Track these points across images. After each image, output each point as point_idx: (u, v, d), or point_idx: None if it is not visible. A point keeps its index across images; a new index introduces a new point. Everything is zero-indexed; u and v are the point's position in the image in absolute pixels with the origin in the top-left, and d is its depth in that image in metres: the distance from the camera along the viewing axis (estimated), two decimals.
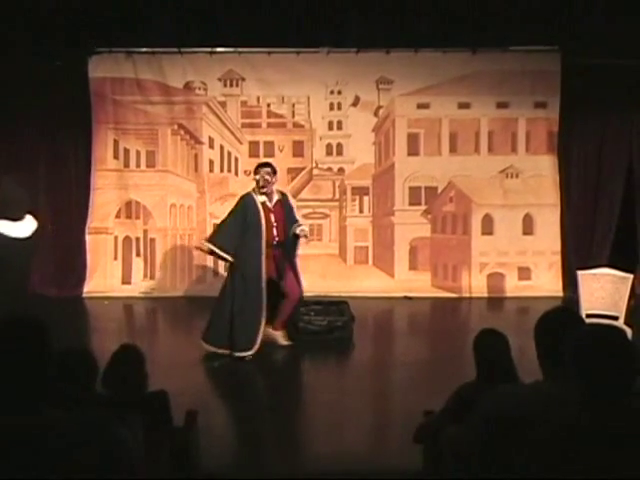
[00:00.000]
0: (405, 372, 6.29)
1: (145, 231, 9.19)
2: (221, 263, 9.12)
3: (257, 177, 6.41)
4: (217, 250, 6.39)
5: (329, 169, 9.23)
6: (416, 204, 9.17)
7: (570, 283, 8.29)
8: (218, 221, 6.51)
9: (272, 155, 9.04)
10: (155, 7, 8.03)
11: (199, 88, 9.08)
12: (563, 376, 2.25)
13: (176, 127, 9.11)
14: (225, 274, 9.10)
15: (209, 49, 8.80)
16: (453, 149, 9.14)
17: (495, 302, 8.89)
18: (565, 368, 2.18)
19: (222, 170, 9.21)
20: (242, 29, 8.21)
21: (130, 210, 9.16)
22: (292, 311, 6.65)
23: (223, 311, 6.38)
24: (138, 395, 3.26)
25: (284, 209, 6.47)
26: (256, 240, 6.28)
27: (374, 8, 8.11)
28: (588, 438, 2.03)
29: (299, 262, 6.67)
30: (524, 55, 8.77)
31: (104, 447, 1.88)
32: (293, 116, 9.16)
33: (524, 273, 9.12)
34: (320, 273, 8.87)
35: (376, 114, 9.12)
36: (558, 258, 9.05)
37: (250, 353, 6.29)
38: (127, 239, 9.21)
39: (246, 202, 6.43)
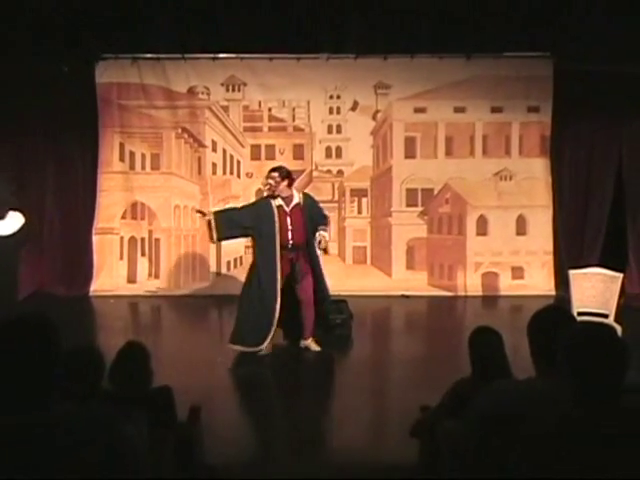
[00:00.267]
0: (402, 369, 6.29)
1: (150, 231, 9.19)
2: (224, 263, 9.18)
3: (264, 181, 6.43)
4: (212, 223, 6.27)
5: (328, 171, 9.23)
6: (413, 205, 9.17)
7: (562, 282, 8.29)
8: (212, 225, 6.39)
9: (273, 158, 9.04)
10: (159, 15, 8.04)
11: (202, 93, 9.07)
12: (555, 373, 2.25)
13: (180, 131, 9.11)
14: (225, 273, 9.21)
15: (212, 55, 8.80)
16: (449, 152, 9.14)
17: (489, 300, 8.89)
18: (557, 365, 2.18)
19: (225, 172, 9.21)
20: (244, 36, 8.21)
21: (135, 211, 9.16)
22: (312, 315, 6.42)
23: (242, 311, 6.35)
24: (143, 391, 3.26)
25: (304, 212, 6.31)
26: (270, 243, 6.23)
27: (372, 16, 8.12)
28: (580, 434, 2.03)
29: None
30: (517, 61, 8.77)
31: (110, 443, 1.88)
32: (294, 120, 9.16)
33: (517, 272, 9.12)
34: None
35: (374, 118, 9.13)
36: (550, 258, 9.05)
37: (259, 349, 6.25)
38: (132, 239, 9.21)
39: (260, 204, 6.43)
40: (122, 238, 9.17)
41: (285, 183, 6.28)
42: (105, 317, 8.27)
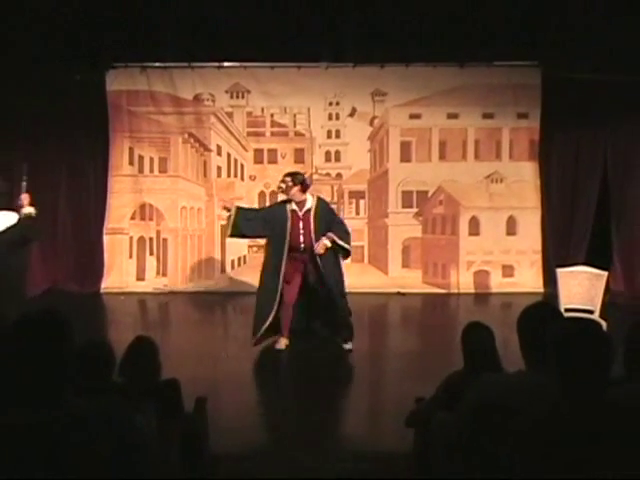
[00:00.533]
0: (398, 362, 6.29)
1: (158, 232, 9.19)
2: (228, 261, 9.17)
3: (278, 183, 6.44)
4: (232, 216, 6.27)
5: (328, 174, 9.22)
6: (408, 207, 9.16)
7: (550, 280, 8.28)
8: (230, 221, 6.38)
9: (275, 162, 9.06)
10: (167, 25, 8.04)
11: (208, 100, 9.07)
12: (544, 366, 2.25)
13: (186, 136, 9.10)
14: (229, 271, 9.21)
15: (217, 64, 8.80)
16: (442, 156, 9.13)
17: (481, 297, 8.88)
18: (546, 358, 2.18)
19: (229, 175, 9.21)
20: (247, 45, 8.21)
21: (144, 212, 9.15)
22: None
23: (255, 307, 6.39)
24: (152, 383, 3.26)
25: (316, 217, 6.23)
26: (280, 245, 6.23)
27: (369, 26, 8.12)
28: (567, 424, 2.04)
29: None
30: (507, 70, 8.77)
31: (122, 433, 1.88)
32: (295, 125, 9.15)
33: (508, 271, 9.11)
34: None
35: (371, 124, 9.12)
36: (539, 257, 9.04)
37: (253, 340, 6.28)
38: (141, 239, 9.20)
39: (276, 208, 6.42)
40: (131, 238, 9.17)
41: (297, 188, 6.21)
42: (115, 313, 8.28)
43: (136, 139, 9.06)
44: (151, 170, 9.14)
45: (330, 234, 6.17)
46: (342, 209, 9.21)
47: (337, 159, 9.20)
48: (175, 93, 8.98)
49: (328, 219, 6.30)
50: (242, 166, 9.20)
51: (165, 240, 9.18)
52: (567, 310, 6.05)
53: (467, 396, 2.59)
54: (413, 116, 9.08)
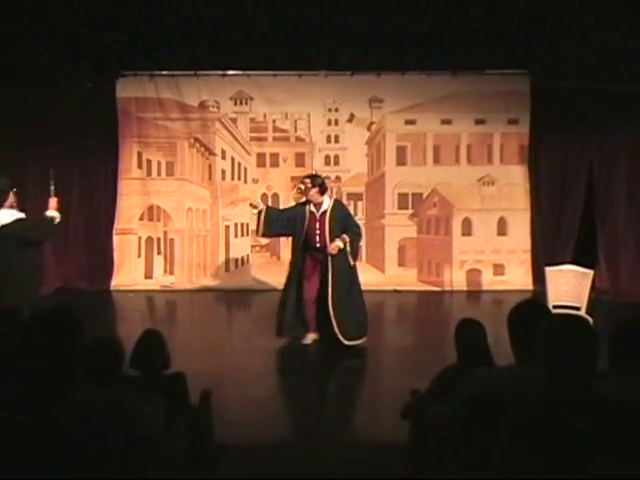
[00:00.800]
0: (394, 356, 6.30)
1: (165, 232, 9.18)
2: (232, 261, 9.17)
3: (298, 185, 6.43)
4: (262, 216, 6.26)
5: (327, 177, 9.14)
6: (404, 208, 9.16)
7: (539, 278, 8.28)
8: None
9: (277, 165, 9.06)
10: (174, 35, 8.05)
11: (212, 106, 9.06)
12: (533, 360, 2.25)
13: (192, 140, 9.10)
14: (233, 270, 9.20)
15: (221, 72, 8.81)
16: (436, 160, 9.13)
17: (473, 295, 8.88)
18: (535, 353, 2.18)
19: (233, 178, 9.20)
20: (251, 54, 8.23)
21: (152, 213, 9.15)
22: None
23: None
24: (161, 375, 3.26)
25: (332, 219, 6.20)
26: (298, 242, 6.26)
27: (366, 36, 8.12)
28: (555, 416, 2.03)
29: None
30: (498, 78, 8.76)
31: (131, 426, 1.88)
32: (295, 131, 9.15)
33: (499, 269, 9.11)
34: None
35: (369, 129, 9.12)
36: (528, 256, 9.04)
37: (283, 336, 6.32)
38: (149, 239, 9.20)
39: (297, 209, 6.40)
40: (140, 238, 9.16)
41: (316, 190, 6.21)
42: (124, 310, 8.28)
43: (144, 144, 9.06)
44: (159, 173, 9.14)
45: (344, 236, 6.15)
46: None
47: (336, 163, 9.19)
48: (182, 100, 8.99)
49: (344, 221, 6.28)
50: (245, 169, 9.20)
51: (172, 240, 9.17)
52: (555, 307, 6.05)
53: (460, 389, 2.59)
54: (408, 122, 9.08)
